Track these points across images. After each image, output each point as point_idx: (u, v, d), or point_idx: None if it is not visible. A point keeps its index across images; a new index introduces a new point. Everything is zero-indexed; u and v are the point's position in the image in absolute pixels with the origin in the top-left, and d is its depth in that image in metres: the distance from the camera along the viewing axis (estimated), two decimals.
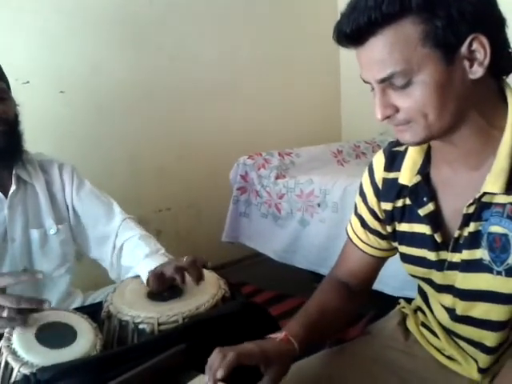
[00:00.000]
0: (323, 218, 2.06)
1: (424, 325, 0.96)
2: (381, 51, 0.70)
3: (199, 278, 1.11)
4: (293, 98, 2.96)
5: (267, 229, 2.26)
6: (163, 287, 1.13)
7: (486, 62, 0.69)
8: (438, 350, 0.92)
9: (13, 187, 1.27)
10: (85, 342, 0.95)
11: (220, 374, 0.71)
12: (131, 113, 2.32)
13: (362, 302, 1.01)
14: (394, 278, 1.61)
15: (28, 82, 1.97)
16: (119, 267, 1.33)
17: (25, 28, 1.98)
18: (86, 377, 0.83)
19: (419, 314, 0.98)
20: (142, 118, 2.36)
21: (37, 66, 2.02)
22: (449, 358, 0.90)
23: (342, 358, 0.96)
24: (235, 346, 0.77)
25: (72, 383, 0.83)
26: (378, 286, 1.65)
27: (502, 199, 0.74)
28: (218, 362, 0.73)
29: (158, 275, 1.13)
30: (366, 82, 0.75)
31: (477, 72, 0.70)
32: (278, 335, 0.82)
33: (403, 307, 1.03)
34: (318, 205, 2.08)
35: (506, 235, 0.74)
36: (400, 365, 0.94)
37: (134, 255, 1.28)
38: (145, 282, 1.17)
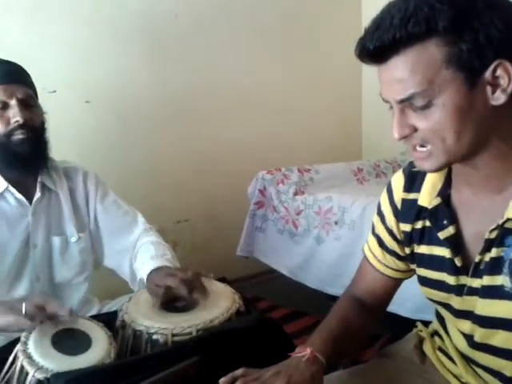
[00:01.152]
0: (339, 235, 2.04)
1: (441, 349, 0.94)
2: (403, 71, 0.69)
3: (205, 293, 1.11)
4: (314, 114, 2.96)
5: (282, 245, 2.25)
6: (165, 299, 1.12)
7: (510, 89, 0.68)
8: (455, 376, 0.90)
9: (37, 194, 1.29)
10: (99, 349, 0.95)
11: None
12: (154, 125, 2.35)
13: (378, 320, 1.00)
14: (411, 300, 1.58)
15: (55, 91, 2.01)
16: (136, 274, 1.33)
17: (54, 39, 2.03)
18: None
19: (436, 338, 0.97)
20: (165, 131, 2.39)
21: (64, 76, 2.07)
22: None
23: (357, 380, 0.95)
24: (260, 375, 0.75)
25: None
26: (394, 307, 1.63)
27: None
28: None
29: (161, 286, 1.12)
30: (385, 100, 0.75)
31: (499, 98, 0.69)
32: (304, 353, 0.81)
33: (420, 330, 1.01)
34: (336, 222, 2.06)
35: None
36: None
37: (142, 258, 1.30)
38: (143, 284, 1.18)
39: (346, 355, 0.95)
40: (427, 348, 0.97)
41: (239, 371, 0.77)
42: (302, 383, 0.76)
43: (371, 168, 2.64)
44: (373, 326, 0.99)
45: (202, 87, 2.50)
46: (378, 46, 0.69)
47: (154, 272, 1.20)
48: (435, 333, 0.97)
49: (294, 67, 2.86)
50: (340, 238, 2.04)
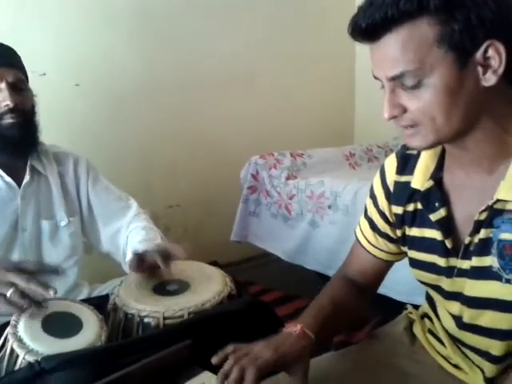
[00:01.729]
0: (334, 220, 2.05)
1: (430, 332, 0.95)
2: (394, 49, 0.69)
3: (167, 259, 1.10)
4: (306, 98, 2.95)
5: (277, 229, 2.26)
6: (143, 270, 1.13)
7: (501, 70, 0.68)
8: (444, 358, 0.91)
9: (27, 178, 1.28)
10: (90, 332, 0.95)
11: None
12: (145, 108, 2.33)
13: (369, 301, 1.01)
14: (402, 283, 1.60)
15: (44, 74, 1.98)
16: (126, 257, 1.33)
17: (43, 21, 2.00)
18: (89, 367, 0.84)
19: (426, 320, 0.98)
20: (155, 113, 2.37)
21: (54, 59, 2.04)
22: (455, 366, 0.89)
23: (347, 361, 0.96)
24: (250, 349, 0.76)
25: (76, 373, 0.83)
26: (384, 290, 1.65)
27: None
28: (235, 378, 0.71)
29: (138, 258, 1.13)
30: (376, 78, 0.75)
31: (490, 79, 0.69)
32: (294, 329, 0.81)
33: (410, 313, 1.02)
34: (329, 207, 2.07)
35: None
36: (405, 370, 0.93)
37: (131, 242, 1.30)
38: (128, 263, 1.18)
39: (336, 333, 0.97)
40: (417, 330, 0.98)
41: (230, 348, 0.77)
42: (291, 354, 0.77)
43: (363, 153, 2.65)
44: (364, 306, 1.00)
45: (194, 70, 2.47)
46: (370, 24, 0.69)
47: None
48: (425, 315, 0.98)
49: (287, 52, 2.84)
50: (335, 223, 2.05)
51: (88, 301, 1.16)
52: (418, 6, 0.66)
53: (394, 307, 1.18)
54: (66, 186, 1.36)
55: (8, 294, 0.92)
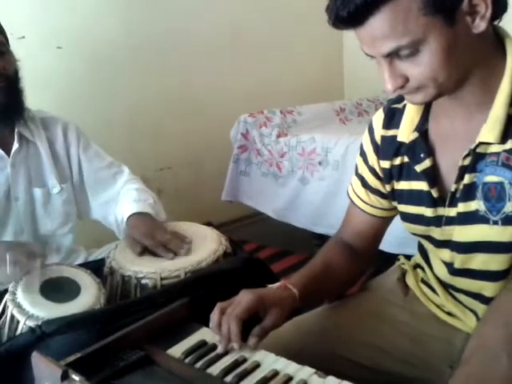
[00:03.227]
0: (323, 176, 2.05)
1: (423, 281, 0.97)
2: (382, 28, 0.69)
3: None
4: (295, 55, 2.90)
5: (267, 188, 2.26)
6: (139, 251, 1.14)
7: (488, 14, 0.69)
8: (437, 306, 0.94)
9: (15, 145, 1.25)
10: (88, 296, 0.97)
11: (236, 336, 0.74)
12: (130, 70, 2.27)
13: (368, 263, 1.03)
14: (393, 234, 1.60)
15: (23, 37, 1.92)
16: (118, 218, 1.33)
17: None
18: (90, 329, 0.85)
19: (418, 270, 0.99)
20: (141, 76, 2.31)
21: (32, 21, 1.97)
22: (448, 313, 0.92)
23: (340, 313, 0.98)
24: (234, 298, 0.79)
25: (77, 335, 0.85)
26: None
27: (497, 148, 0.74)
28: (225, 329, 0.74)
29: (138, 245, 1.15)
30: (369, 55, 0.74)
31: (480, 26, 0.70)
32: (277, 284, 0.85)
33: (403, 263, 1.04)
34: (319, 163, 2.07)
35: (501, 183, 0.74)
36: (399, 319, 0.95)
37: (124, 201, 1.30)
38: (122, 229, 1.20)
39: (326, 294, 0.98)
40: (410, 280, 1.00)
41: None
42: (269, 299, 0.79)
43: (353, 107, 2.63)
44: (361, 269, 1.01)
45: (179, 30, 2.40)
46: (352, 12, 0.68)
47: (134, 220, 1.21)
48: (417, 265, 1.00)
49: (274, 9, 2.76)
50: (324, 179, 2.05)
51: (85, 265, 1.17)
52: None
53: (386, 259, 1.20)
54: (56, 152, 1.34)
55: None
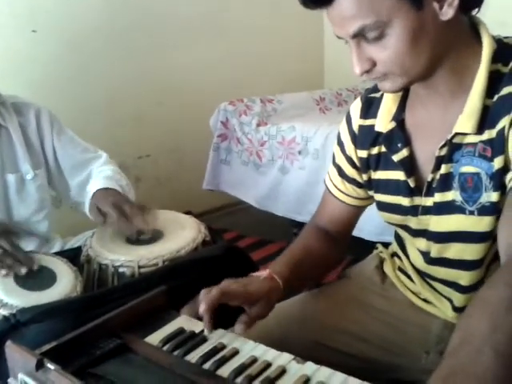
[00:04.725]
0: (303, 165, 2.06)
1: (400, 269, 0.98)
2: (349, 7, 0.68)
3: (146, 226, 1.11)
4: (275, 43, 2.88)
5: (248, 176, 2.26)
6: (102, 220, 1.13)
7: (456, 1, 0.69)
8: (414, 293, 0.95)
9: None
10: (65, 284, 0.95)
11: (202, 307, 0.72)
12: (109, 57, 2.23)
13: (343, 249, 1.03)
14: (371, 223, 1.63)
15: None
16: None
17: None
18: (66, 317, 0.84)
19: (396, 258, 1.00)
20: (119, 61, 2.27)
21: (4, 3, 1.91)
22: (424, 300, 0.93)
23: (320, 300, 0.99)
24: (220, 284, 0.78)
25: (52, 324, 0.83)
26: (355, 231, 1.68)
27: (473, 139, 0.74)
28: (201, 298, 0.73)
29: (101, 215, 1.13)
30: (339, 37, 0.74)
31: (447, 13, 0.69)
32: (262, 273, 0.83)
33: (381, 251, 1.05)
34: (299, 152, 2.08)
35: (477, 174, 0.74)
36: (376, 306, 0.96)
37: (96, 178, 1.28)
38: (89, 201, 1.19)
39: (307, 280, 0.98)
40: (387, 268, 1.01)
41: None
42: (256, 293, 0.78)
43: (333, 97, 2.63)
44: (337, 254, 1.01)
45: (159, 15, 2.37)
46: None
47: (102, 192, 1.20)
48: (394, 254, 1.01)
49: None
50: (304, 168, 2.06)
51: (61, 254, 1.15)
52: None
53: (365, 247, 1.21)
54: (29, 138, 1.31)
55: None
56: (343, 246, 1.02)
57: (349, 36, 0.71)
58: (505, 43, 0.75)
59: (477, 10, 0.74)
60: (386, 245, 1.06)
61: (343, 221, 0.99)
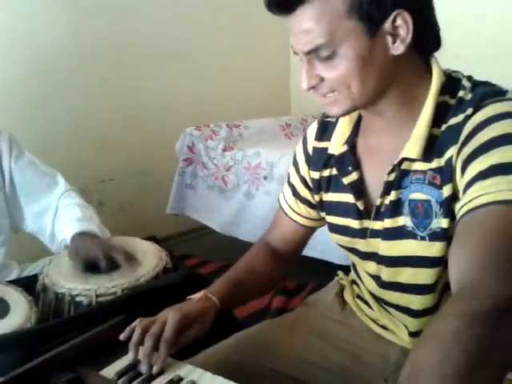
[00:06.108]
0: (269, 190, 2.07)
1: (359, 297, 0.99)
2: (309, 21, 0.71)
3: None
4: (243, 69, 2.92)
5: (213, 201, 2.26)
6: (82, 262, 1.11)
7: (408, 39, 0.71)
8: (373, 320, 0.96)
9: None
10: (18, 315, 0.92)
11: (163, 355, 0.74)
12: (74, 79, 2.22)
13: (290, 267, 1.05)
14: (338, 247, 1.64)
15: None
16: (58, 235, 1.28)
17: None
18: (18, 350, 0.81)
19: (354, 286, 1.01)
20: (86, 86, 2.26)
21: None
22: (382, 327, 0.94)
23: (280, 329, 0.98)
24: (155, 317, 0.79)
25: (4, 357, 0.80)
26: (324, 255, 1.68)
27: (422, 166, 0.76)
28: (148, 349, 0.74)
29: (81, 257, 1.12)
30: (295, 52, 0.77)
31: (398, 48, 0.72)
32: (197, 295, 0.86)
33: (341, 279, 1.06)
34: (265, 177, 2.09)
35: (428, 201, 0.76)
36: (336, 334, 0.97)
37: (67, 219, 1.26)
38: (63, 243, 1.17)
39: (248, 298, 1.01)
40: (347, 295, 1.02)
41: (135, 322, 0.80)
42: (192, 312, 0.81)
43: (299, 123, 2.68)
44: (283, 272, 1.05)
45: (126, 40, 2.37)
46: None
47: (79, 237, 1.17)
48: (353, 281, 1.02)
49: (223, 23, 2.78)
50: (270, 193, 2.07)
51: (16, 282, 1.11)
52: None
53: (330, 272, 1.22)
54: None
55: None
56: (290, 266, 1.05)
57: (303, 52, 0.74)
58: (453, 77, 0.78)
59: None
60: (347, 272, 1.07)
61: (294, 240, 1.01)
